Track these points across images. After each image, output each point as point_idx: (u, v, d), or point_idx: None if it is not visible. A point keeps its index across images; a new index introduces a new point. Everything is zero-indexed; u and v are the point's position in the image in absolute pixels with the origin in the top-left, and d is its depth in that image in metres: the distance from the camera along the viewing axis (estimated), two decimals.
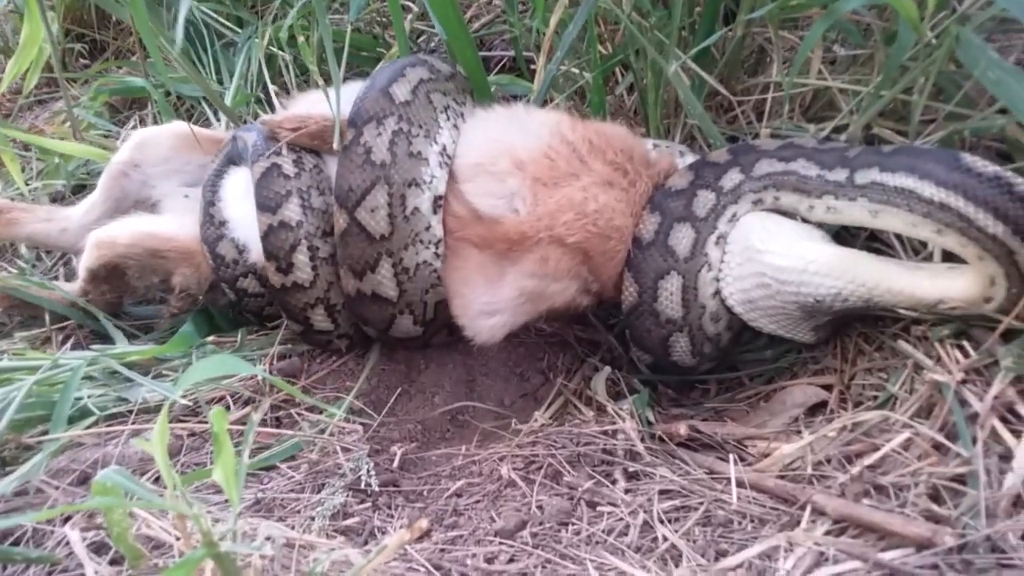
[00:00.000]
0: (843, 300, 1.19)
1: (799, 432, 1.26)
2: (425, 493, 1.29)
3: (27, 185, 2.09)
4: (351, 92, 1.43)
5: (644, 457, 1.26)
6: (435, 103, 1.44)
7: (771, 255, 1.23)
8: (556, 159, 1.33)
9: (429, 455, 1.39)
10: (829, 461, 1.15)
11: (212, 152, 1.68)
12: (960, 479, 1.01)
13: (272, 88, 2.14)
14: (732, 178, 1.32)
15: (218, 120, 2.19)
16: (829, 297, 1.19)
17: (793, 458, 1.18)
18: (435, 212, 1.39)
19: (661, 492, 1.19)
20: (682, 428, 1.31)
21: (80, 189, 2.15)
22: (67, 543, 1.11)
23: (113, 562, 1.06)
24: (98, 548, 1.09)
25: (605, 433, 1.32)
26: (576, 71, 1.83)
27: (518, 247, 1.30)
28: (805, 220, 1.30)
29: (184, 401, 1.39)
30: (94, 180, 2.08)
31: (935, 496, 1.01)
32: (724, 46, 1.76)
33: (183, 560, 0.75)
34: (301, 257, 1.41)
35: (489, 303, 1.32)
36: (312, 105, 1.54)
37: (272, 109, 2.13)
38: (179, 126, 1.76)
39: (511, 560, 1.05)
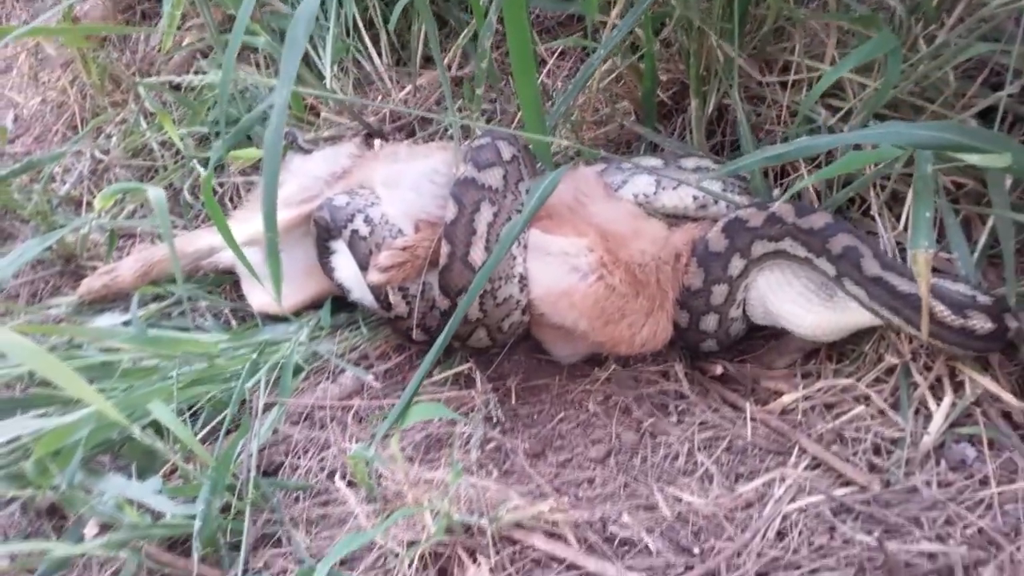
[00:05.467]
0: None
1: (795, 376, 1.81)
2: (535, 418, 1.87)
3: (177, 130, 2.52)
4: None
5: (689, 396, 1.82)
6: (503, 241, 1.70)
7: (779, 316, 1.77)
8: (604, 304, 1.73)
9: (533, 384, 1.95)
10: (814, 409, 1.70)
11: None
12: (898, 438, 1.57)
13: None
14: (736, 265, 1.76)
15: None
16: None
17: (791, 404, 1.73)
18: (523, 315, 1.85)
19: (700, 424, 1.76)
20: (718, 369, 1.86)
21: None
22: (311, 472, 1.73)
23: (350, 484, 1.67)
24: (332, 474, 1.72)
25: (661, 374, 1.88)
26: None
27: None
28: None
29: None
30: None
31: (878, 449, 1.57)
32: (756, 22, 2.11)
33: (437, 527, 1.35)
34: (394, 297, 1.86)
35: (570, 355, 1.91)
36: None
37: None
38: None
39: (604, 483, 1.65)
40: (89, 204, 2.74)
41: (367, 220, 1.86)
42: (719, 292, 1.77)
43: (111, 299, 2.23)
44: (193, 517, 1.55)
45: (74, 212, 2.68)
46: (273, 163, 1.25)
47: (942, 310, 1.50)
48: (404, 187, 1.87)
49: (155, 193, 1.59)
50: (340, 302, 2.08)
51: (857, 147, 1.72)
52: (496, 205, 1.77)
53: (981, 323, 1.49)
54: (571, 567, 1.48)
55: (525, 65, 1.66)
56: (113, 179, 2.72)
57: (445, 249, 1.76)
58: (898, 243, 1.84)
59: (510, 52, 1.69)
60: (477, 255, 1.75)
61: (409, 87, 2.47)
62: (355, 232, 1.85)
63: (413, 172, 1.89)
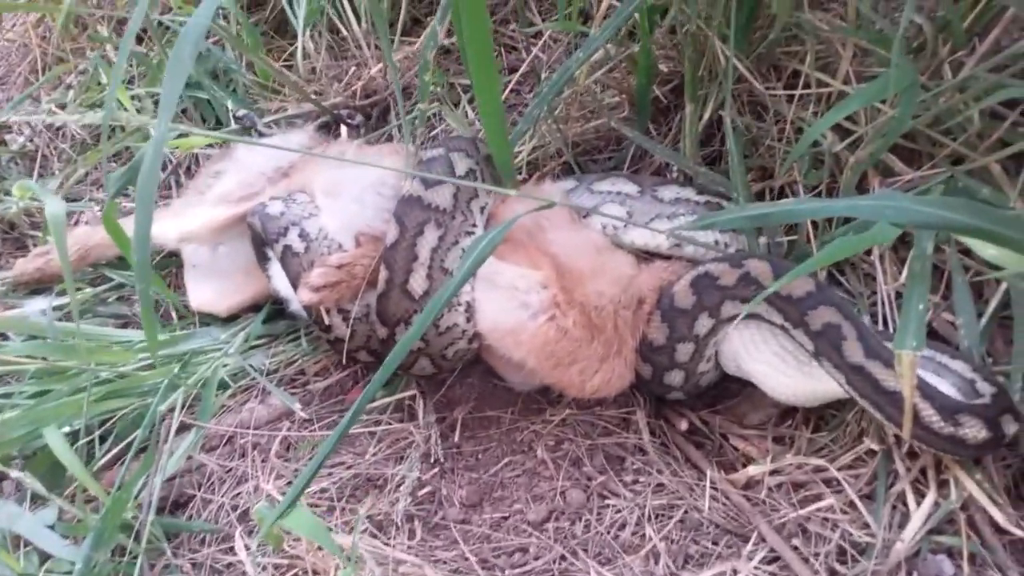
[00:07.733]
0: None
1: (766, 439, 1.62)
2: (479, 458, 1.70)
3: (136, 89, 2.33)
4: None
5: (649, 453, 1.63)
6: (448, 266, 1.58)
7: (751, 375, 1.56)
8: (554, 347, 1.54)
9: (482, 415, 1.77)
10: (781, 487, 1.52)
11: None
12: (867, 545, 1.38)
13: None
14: (703, 324, 1.54)
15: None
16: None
17: (757, 476, 1.54)
18: (470, 343, 1.66)
19: (656, 487, 1.58)
20: (683, 424, 1.68)
21: None
22: (223, 509, 1.58)
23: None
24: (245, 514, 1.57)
25: (622, 420, 1.69)
26: None
27: None
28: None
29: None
30: None
31: (843, 553, 1.39)
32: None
33: None
34: (333, 319, 1.67)
35: (522, 383, 1.72)
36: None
37: None
38: (212, 219, 1.86)
39: (538, 555, 1.49)
40: (46, 158, 2.57)
41: (302, 235, 1.66)
42: (684, 350, 1.56)
43: (47, 282, 2.06)
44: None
45: (27, 169, 2.51)
46: (145, 215, 1.05)
47: (930, 415, 1.29)
48: (346, 197, 1.67)
49: (52, 208, 1.41)
50: (281, 307, 1.91)
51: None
52: (442, 228, 1.57)
53: (974, 432, 1.28)
54: None
55: (486, 76, 1.42)
56: (70, 136, 2.53)
57: (383, 275, 1.57)
58: (898, 294, 1.63)
59: (467, 55, 1.47)
60: (417, 283, 1.56)
61: (379, 65, 2.23)
62: (288, 248, 1.65)
63: (358, 181, 1.68)
